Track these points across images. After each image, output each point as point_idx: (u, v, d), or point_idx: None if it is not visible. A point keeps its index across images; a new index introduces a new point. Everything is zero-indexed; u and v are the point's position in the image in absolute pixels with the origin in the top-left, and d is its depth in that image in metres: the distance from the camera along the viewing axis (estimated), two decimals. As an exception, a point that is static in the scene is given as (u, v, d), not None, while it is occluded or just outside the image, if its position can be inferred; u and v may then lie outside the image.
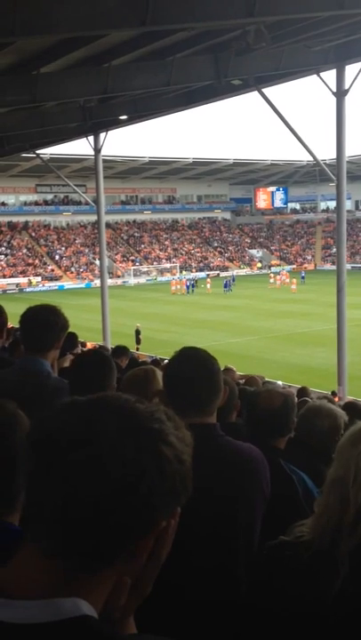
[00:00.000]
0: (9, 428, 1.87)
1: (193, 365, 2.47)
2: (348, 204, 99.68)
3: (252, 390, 3.98)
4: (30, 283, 71.61)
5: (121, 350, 10.02)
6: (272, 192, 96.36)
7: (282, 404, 3.32)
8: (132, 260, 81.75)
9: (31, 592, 0.98)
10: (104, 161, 30.10)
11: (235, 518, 2.35)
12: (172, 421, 1.11)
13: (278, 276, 64.27)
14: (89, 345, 17.47)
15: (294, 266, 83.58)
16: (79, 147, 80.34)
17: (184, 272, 77.33)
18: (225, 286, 59.16)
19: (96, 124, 20.09)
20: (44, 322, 3.47)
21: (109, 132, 21.65)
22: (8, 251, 77.79)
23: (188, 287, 61.18)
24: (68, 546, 0.98)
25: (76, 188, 27.70)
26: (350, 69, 16.84)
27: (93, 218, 55.03)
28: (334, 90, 16.74)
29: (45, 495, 0.99)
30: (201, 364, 2.47)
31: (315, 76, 16.71)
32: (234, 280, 60.42)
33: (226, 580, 2.30)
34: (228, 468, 2.37)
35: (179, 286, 61.68)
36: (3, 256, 76.14)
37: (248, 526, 2.38)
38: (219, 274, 79.11)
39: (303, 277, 63.85)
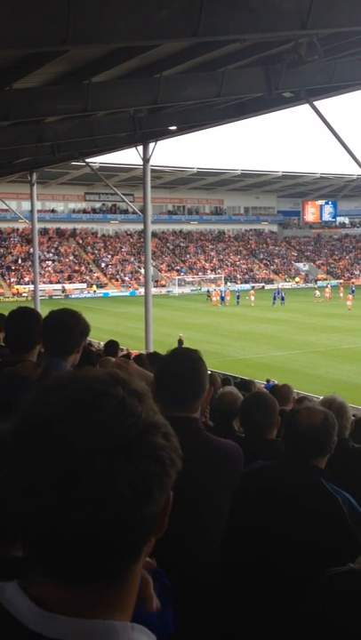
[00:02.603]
0: None
1: (182, 363, 2.73)
2: None
3: (290, 408, 3.85)
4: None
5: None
6: (321, 205, 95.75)
7: (322, 421, 3.19)
8: (177, 270, 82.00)
9: (67, 610, 0.92)
10: (152, 171, 30.22)
11: (203, 501, 2.57)
12: (129, 389, 0.97)
13: (326, 289, 63.64)
14: (134, 353, 17.48)
15: (341, 280, 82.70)
16: (128, 156, 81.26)
17: (229, 283, 77.24)
18: (274, 299, 58.78)
19: (145, 134, 20.14)
20: (64, 326, 3.44)
21: (158, 143, 21.69)
22: (55, 257, 78.85)
23: (222, 298, 60.88)
24: (78, 577, 0.92)
25: (123, 197, 27.79)
26: None
27: (140, 227, 55.38)
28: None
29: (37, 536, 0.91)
30: (189, 363, 2.73)
31: (367, 89, 16.51)
32: (283, 298, 58.86)
33: (191, 561, 2.46)
34: (204, 458, 2.56)
35: (218, 297, 61.44)
36: (50, 262, 77.16)
37: (213, 508, 2.64)
38: (264, 286, 78.82)
39: (353, 291, 62.75)
